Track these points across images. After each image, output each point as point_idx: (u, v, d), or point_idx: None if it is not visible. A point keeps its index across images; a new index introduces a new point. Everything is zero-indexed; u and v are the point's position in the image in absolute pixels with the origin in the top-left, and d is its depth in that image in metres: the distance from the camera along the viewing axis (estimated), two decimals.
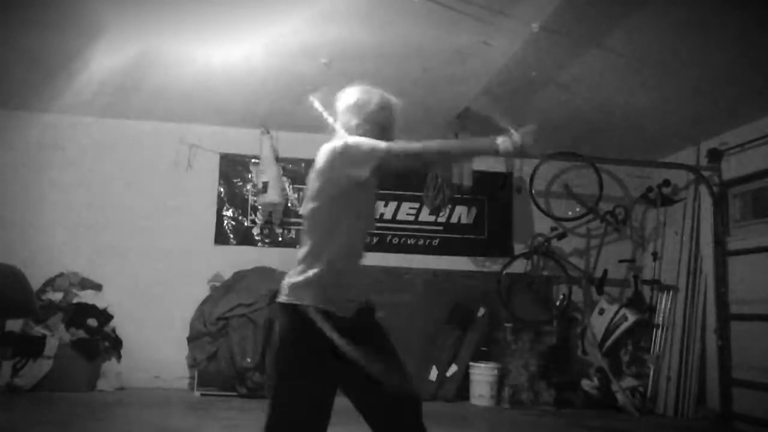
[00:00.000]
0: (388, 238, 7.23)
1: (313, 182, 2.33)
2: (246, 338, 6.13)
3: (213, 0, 4.23)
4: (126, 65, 5.28)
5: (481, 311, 6.80)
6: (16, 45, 5.01)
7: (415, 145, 2.25)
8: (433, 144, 2.32)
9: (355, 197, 2.30)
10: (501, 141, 2.24)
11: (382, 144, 2.26)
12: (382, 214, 7.30)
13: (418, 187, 6.74)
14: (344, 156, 2.24)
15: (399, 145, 2.29)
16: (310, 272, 2.25)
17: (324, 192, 2.28)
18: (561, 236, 7.10)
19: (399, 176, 3.05)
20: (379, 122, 2.42)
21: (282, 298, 2.29)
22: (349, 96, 2.48)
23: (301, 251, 2.33)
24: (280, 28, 4.56)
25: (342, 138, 2.35)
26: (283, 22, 4.47)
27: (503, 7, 4.14)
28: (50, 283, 6.38)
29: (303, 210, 2.40)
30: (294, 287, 2.26)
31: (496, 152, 2.26)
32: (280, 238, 7.10)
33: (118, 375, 6.38)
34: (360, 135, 2.36)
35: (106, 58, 5.14)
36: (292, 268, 2.34)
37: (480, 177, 6.95)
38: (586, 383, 6.58)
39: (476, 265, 7.35)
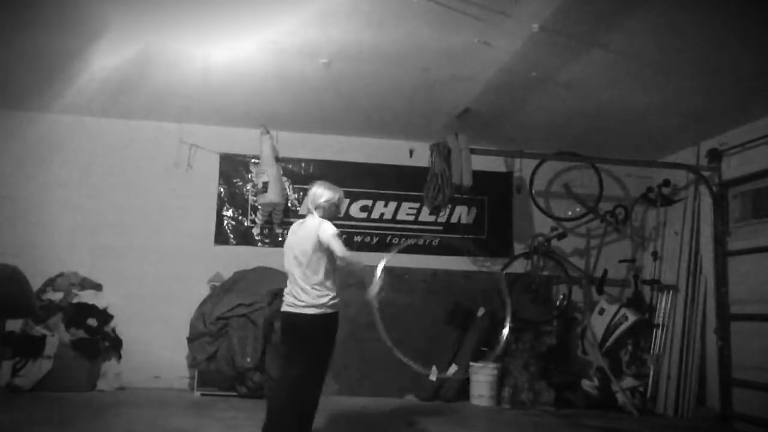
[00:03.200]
0: (388, 238, 7.23)
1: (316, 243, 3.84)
2: (246, 338, 6.14)
3: (213, 0, 4.23)
4: (126, 65, 5.29)
5: (481, 311, 6.81)
6: (16, 45, 5.01)
7: (344, 253, 3.82)
8: (349, 256, 3.89)
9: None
10: (369, 290, 3.99)
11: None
12: (382, 214, 7.31)
13: (419, 187, 6.70)
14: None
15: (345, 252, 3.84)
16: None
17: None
18: (561, 236, 7.10)
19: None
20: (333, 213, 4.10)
21: (326, 310, 3.85)
22: (325, 193, 4.04)
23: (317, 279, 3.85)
24: (280, 28, 4.56)
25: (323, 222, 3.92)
26: (283, 22, 4.47)
27: (503, 7, 4.15)
28: (50, 283, 6.39)
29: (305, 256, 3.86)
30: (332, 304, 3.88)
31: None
32: (280, 238, 7.08)
33: (118, 375, 6.39)
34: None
35: (107, 58, 5.15)
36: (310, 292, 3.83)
37: (480, 177, 6.90)
38: (586, 383, 6.58)
39: (476, 265, 7.35)
